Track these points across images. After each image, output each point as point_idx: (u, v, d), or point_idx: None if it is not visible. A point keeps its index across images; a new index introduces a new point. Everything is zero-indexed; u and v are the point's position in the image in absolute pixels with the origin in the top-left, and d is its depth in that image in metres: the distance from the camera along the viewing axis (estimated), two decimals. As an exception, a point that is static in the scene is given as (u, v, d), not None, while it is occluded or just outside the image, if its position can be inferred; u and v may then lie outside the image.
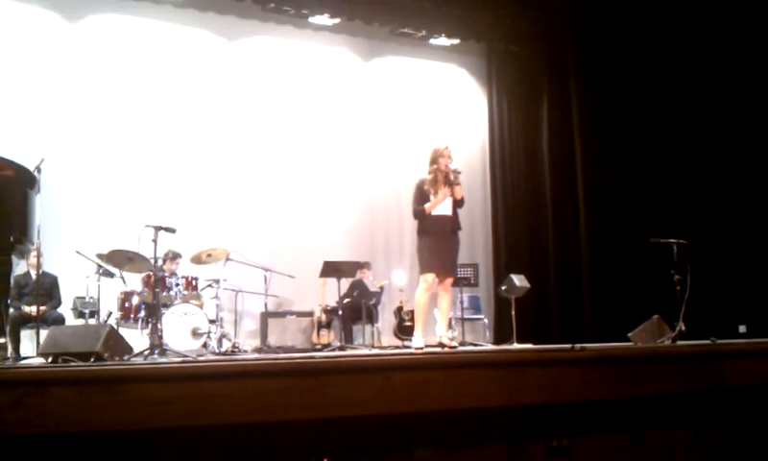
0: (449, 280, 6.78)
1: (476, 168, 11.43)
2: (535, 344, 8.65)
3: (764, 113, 9.82)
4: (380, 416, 3.32)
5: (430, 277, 6.62)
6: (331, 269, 8.25)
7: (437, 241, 6.68)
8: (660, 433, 4.10)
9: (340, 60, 10.79)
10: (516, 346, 8.44)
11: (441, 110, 11.30)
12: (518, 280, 8.83)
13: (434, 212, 6.66)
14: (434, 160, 6.76)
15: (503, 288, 9.06)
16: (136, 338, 7.31)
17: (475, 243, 11.26)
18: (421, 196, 6.73)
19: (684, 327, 6.67)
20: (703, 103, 10.23)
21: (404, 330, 9.51)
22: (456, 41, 11.10)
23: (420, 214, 6.72)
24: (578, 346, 4.69)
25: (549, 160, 11.15)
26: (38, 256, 6.64)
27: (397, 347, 9.03)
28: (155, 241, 6.25)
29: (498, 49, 11.43)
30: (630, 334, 7.06)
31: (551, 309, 10.77)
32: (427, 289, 6.64)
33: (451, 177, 6.69)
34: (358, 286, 9.07)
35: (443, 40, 11.05)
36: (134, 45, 9.48)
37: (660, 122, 10.58)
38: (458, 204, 6.76)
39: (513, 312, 9.00)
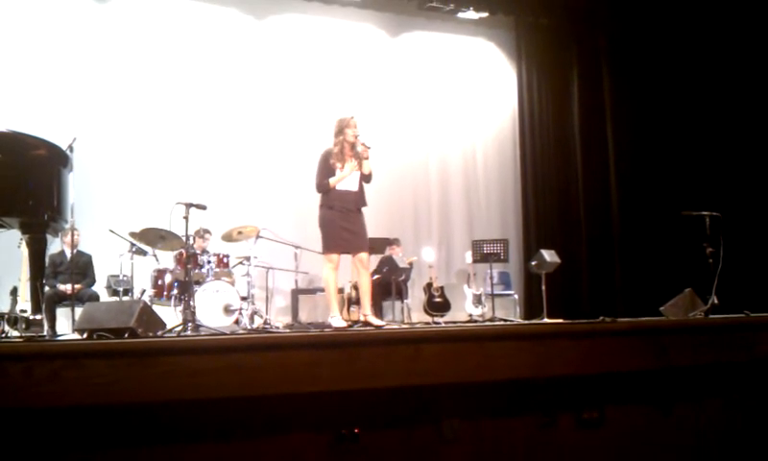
0: (362, 256, 6.42)
1: (506, 143, 11.37)
2: (565, 320, 8.61)
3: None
4: (409, 387, 3.34)
5: (334, 256, 6.41)
6: (361, 245, 8.25)
7: (339, 217, 6.36)
8: (690, 405, 4.08)
9: (367, 35, 10.76)
10: (547, 321, 8.42)
11: (469, 85, 11.22)
12: (549, 256, 8.77)
13: (339, 187, 6.35)
14: (339, 131, 6.39)
15: (533, 263, 9.01)
16: (170, 315, 7.39)
17: (505, 218, 11.24)
18: (326, 168, 6.39)
19: (716, 301, 6.58)
20: (736, 72, 10.03)
21: (434, 307, 9.53)
22: (484, 14, 10.97)
23: (324, 188, 6.40)
24: (608, 319, 4.67)
25: (580, 134, 11.02)
26: (73, 235, 6.74)
27: (427, 323, 9.04)
28: (186, 218, 6.27)
29: (527, 22, 11.30)
30: (662, 308, 6.98)
31: (582, 285, 10.69)
32: (334, 268, 6.42)
33: (359, 149, 6.34)
34: (387, 263, 9.08)
35: (471, 14, 10.94)
36: (164, 24, 9.57)
37: (692, 93, 10.38)
38: (365, 179, 6.42)
39: (543, 288, 8.95)
